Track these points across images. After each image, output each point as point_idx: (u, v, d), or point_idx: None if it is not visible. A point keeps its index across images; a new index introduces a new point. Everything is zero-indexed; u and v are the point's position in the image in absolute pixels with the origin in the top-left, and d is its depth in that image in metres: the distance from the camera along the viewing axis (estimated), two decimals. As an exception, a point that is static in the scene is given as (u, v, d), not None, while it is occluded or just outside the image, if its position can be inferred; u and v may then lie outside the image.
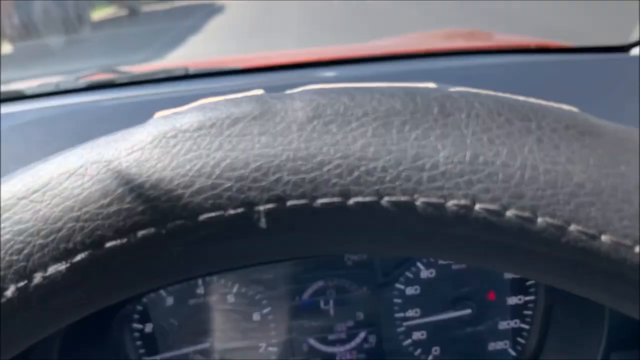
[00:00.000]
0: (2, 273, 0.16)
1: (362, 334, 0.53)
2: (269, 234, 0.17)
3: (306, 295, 0.52)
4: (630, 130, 0.17)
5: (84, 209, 0.17)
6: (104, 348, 0.49)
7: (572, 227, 0.16)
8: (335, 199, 0.17)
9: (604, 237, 0.16)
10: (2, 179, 0.17)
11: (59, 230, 0.17)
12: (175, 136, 0.17)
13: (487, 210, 0.16)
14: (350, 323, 0.53)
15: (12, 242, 0.16)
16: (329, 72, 0.70)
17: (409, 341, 0.53)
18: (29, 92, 0.68)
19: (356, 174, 0.17)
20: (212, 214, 0.17)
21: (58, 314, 0.18)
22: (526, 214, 0.16)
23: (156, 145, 0.17)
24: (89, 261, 0.17)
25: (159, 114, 0.18)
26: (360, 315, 0.53)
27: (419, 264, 0.52)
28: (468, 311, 0.53)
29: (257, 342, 0.52)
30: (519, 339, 0.54)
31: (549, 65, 0.69)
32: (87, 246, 0.17)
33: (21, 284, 0.16)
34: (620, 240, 0.16)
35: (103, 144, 0.18)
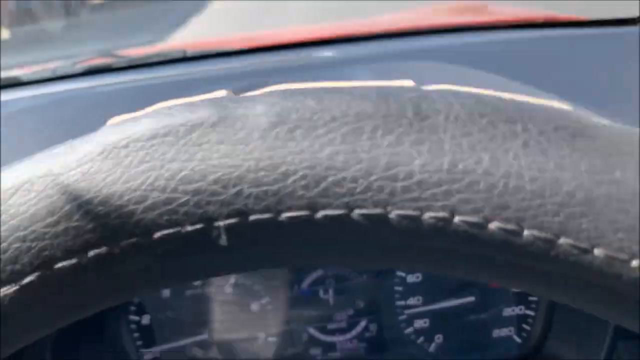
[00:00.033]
0: None
1: (362, 323, 0.52)
2: (231, 250, 0.16)
3: (305, 285, 0.51)
4: (627, 131, 0.16)
5: (31, 228, 0.15)
6: (100, 341, 0.48)
7: (562, 240, 0.15)
8: (302, 213, 0.15)
9: (597, 251, 0.15)
10: None
11: (5, 251, 0.15)
12: (126, 146, 0.16)
13: (468, 223, 0.15)
14: (351, 312, 0.52)
15: None
16: (331, 51, 0.68)
17: (410, 329, 0.52)
18: (25, 79, 0.66)
19: (324, 185, 0.15)
20: (168, 231, 0.15)
21: (12, 336, 0.16)
22: (511, 226, 0.15)
23: (106, 157, 0.16)
24: (38, 283, 0.16)
25: (111, 121, 0.17)
26: (361, 304, 0.52)
27: None
28: (471, 298, 0.51)
29: (256, 333, 0.51)
30: (524, 326, 0.52)
31: (558, 40, 0.66)
32: (36, 267, 0.15)
33: None
34: (614, 254, 0.15)
35: (51, 157, 0.16)
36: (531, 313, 0.52)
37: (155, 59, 0.68)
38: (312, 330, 0.52)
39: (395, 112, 0.15)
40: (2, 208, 0.16)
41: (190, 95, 0.56)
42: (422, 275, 0.51)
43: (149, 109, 0.17)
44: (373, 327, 0.52)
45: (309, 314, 0.52)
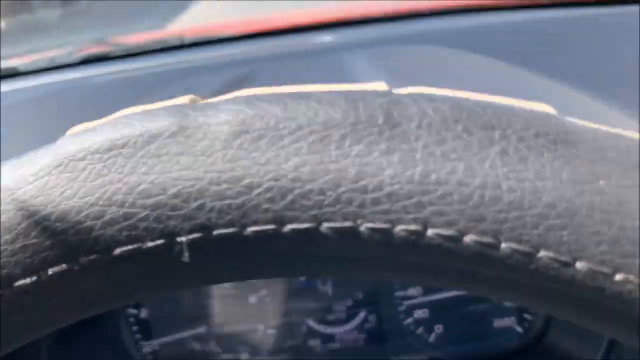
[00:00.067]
0: None
1: (361, 314, 0.52)
2: (194, 265, 0.15)
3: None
4: (613, 135, 0.15)
5: None
6: (98, 334, 0.48)
7: (542, 254, 0.14)
8: (269, 227, 0.15)
9: (578, 265, 0.14)
10: None
11: None
12: (83, 159, 0.15)
13: (442, 236, 0.14)
14: (349, 303, 0.52)
15: None
16: (332, 36, 0.66)
17: (410, 320, 0.52)
18: (23, 69, 0.66)
19: (290, 197, 0.14)
20: (128, 247, 0.15)
21: None
22: (487, 239, 0.14)
23: (63, 170, 0.15)
24: None
25: (71, 131, 0.16)
26: (359, 295, 0.52)
27: None
28: (471, 288, 0.51)
29: (254, 325, 0.51)
30: (526, 315, 0.52)
31: (559, 21, 0.64)
32: None
33: None
34: (597, 268, 0.14)
35: (7, 170, 0.16)
36: None
37: (152, 47, 0.67)
38: (311, 322, 0.52)
39: (364, 120, 0.14)
40: None
41: (188, 83, 0.55)
42: None
43: (109, 117, 0.16)
44: (372, 318, 0.52)
45: (308, 306, 0.51)
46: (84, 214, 0.15)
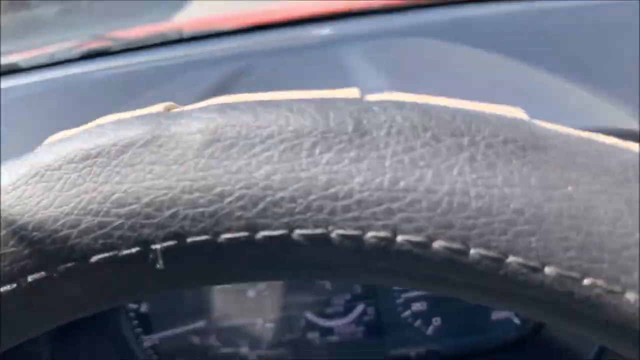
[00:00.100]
0: None
1: (360, 307, 0.52)
2: (170, 272, 0.15)
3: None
4: (584, 140, 0.15)
5: None
6: (99, 329, 0.49)
7: (511, 259, 0.14)
8: (241, 234, 0.15)
9: (547, 270, 0.14)
10: None
11: None
12: (59, 168, 0.15)
13: (411, 242, 0.14)
14: (348, 296, 0.52)
15: None
16: (330, 28, 0.66)
17: (408, 312, 0.52)
18: (23, 65, 0.66)
19: (262, 205, 0.15)
20: (104, 255, 0.15)
21: None
22: (456, 245, 0.14)
23: (39, 180, 0.15)
24: None
25: (49, 139, 0.17)
26: (358, 288, 0.52)
27: None
28: (469, 281, 0.51)
29: (253, 319, 0.51)
30: (523, 308, 0.52)
31: (564, 13, 0.64)
32: None
33: None
34: (565, 273, 0.14)
35: None
36: None
37: (152, 41, 0.67)
38: (309, 316, 0.52)
39: (334, 128, 0.15)
40: None
41: (188, 77, 0.55)
42: None
43: (85, 126, 0.16)
44: (370, 310, 0.52)
45: (306, 299, 0.52)
46: (60, 222, 0.15)
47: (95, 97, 0.62)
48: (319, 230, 0.15)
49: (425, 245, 0.14)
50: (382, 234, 0.14)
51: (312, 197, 0.14)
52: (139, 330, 0.50)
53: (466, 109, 0.15)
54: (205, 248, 0.15)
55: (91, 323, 0.49)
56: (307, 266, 0.16)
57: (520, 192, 0.14)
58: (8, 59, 0.70)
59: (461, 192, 0.14)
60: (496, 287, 0.15)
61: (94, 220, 0.15)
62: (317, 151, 0.15)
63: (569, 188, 0.14)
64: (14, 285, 0.15)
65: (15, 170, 0.15)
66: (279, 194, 0.14)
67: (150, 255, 0.15)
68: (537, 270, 0.14)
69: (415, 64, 0.58)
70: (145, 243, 0.15)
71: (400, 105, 0.15)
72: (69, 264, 0.15)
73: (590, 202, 0.14)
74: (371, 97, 0.16)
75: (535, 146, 0.14)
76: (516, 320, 0.52)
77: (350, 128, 0.15)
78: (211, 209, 0.15)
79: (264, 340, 0.52)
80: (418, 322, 0.52)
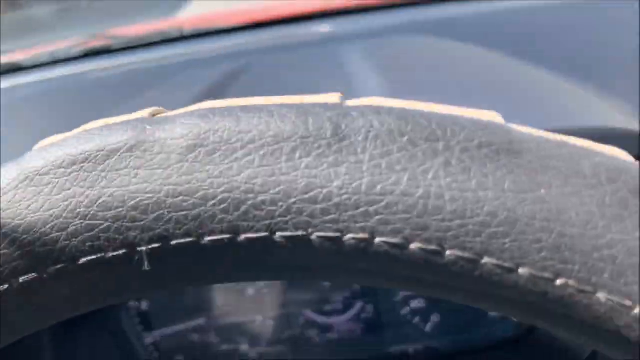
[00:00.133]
0: None
1: (358, 305, 0.53)
2: (155, 273, 0.16)
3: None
4: (557, 144, 0.15)
5: None
6: (101, 326, 0.50)
7: (486, 260, 0.14)
8: (224, 236, 0.15)
9: (521, 271, 0.14)
10: None
11: None
12: (48, 173, 0.16)
13: (389, 244, 0.15)
14: (347, 294, 0.53)
15: None
16: (331, 25, 0.66)
17: (406, 310, 0.53)
18: (24, 64, 0.67)
19: (244, 208, 0.15)
20: (92, 257, 0.15)
21: None
22: (432, 247, 0.15)
23: (29, 184, 0.16)
24: None
25: (39, 144, 0.17)
26: (356, 286, 0.52)
27: None
28: (467, 279, 0.51)
29: (253, 317, 0.52)
30: (521, 305, 0.52)
31: (562, 11, 0.64)
32: None
33: None
34: (539, 274, 0.14)
35: None
36: None
37: (153, 39, 0.67)
38: (309, 313, 0.53)
39: (313, 133, 0.15)
40: None
41: (187, 76, 0.56)
42: None
43: (74, 131, 0.17)
44: (369, 308, 0.53)
45: (305, 297, 0.52)
46: (49, 225, 0.15)
47: (96, 95, 0.62)
48: (299, 233, 0.15)
49: (403, 246, 0.15)
50: (361, 236, 0.15)
51: (292, 200, 0.15)
52: (140, 327, 0.51)
53: (442, 114, 0.15)
54: (189, 250, 0.15)
55: (92, 319, 0.50)
56: (289, 267, 0.16)
57: (493, 196, 0.14)
58: (9, 58, 0.71)
59: (436, 195, 0.14)
60: (473, 288, 0.15)
61: (81, 223, 0.15)
62: (296, 156, 0.15)
63: (542, 191, 0.14)
64: (6, 286, 0.16)
65: (6, 174, 0.16)
66: (260, 197, 0.15)
67: (136, 257, 0.15)
68: (512, 271, 0.14)
69: (414, 62, 0.58)
70: (131, 245, 0.15)
71: (378, 110, 0.15)
72: (59, 266, 0.16)
73: (562, 204, 0.14)
74: (350, 102, 0.16)
75: (509, 150, 0.15)
76: (513, 319, 0.52)
77: (329, 133, 0.15)
78: (195, 212, 0.15)
79: (264, 337, 0.52)
80: (416, 320, 0.53)
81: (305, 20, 0.68)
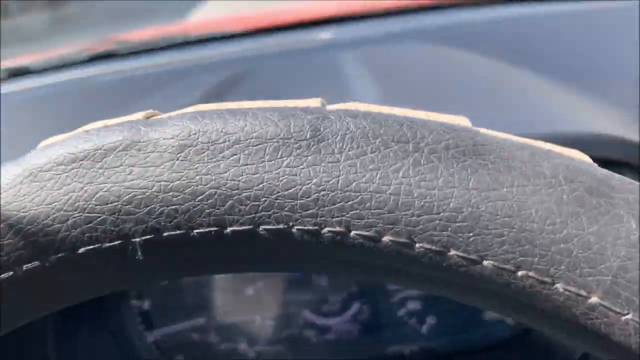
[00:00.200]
0: None
1: (356, 306, 0.54)
2: (148, 263, 0.17)
3: (298, 269, 0.53)
4: (520, 145, 0.16)
5: None
6: (103, 326, 0.51)
7: (452, 252, 0.16)
8: (212, 229, 0.16)
9: (485, 262, 0.16)
10: None
11: None
12: (50, 169, 0.17)
13: (363, 237, 0.16)
14: (344, 295, 0.54)
15: None
16: (333, 31, 0.68)
17: (403, 311, 0.54)
18: (32, 68, 0.68)
19: (230, 203, 0.16)
20: (90, 247, 0.17)
21: None
22: (402, 239, 0.16)
23: (32, 180, 0.17)
24: None
25: (42, 143, 0.18)
26: (353, 287, 0.53)
27: None
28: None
29: (252, 317, 0.53)
30: (516, 308, 0.53)
31: (561, 16, 0.64)
32: None
33: None
34: (501, 265, 0.15)
35: None
36: None
37: (159, 44, 0.69)
38: (307, 314, 0.54)
39: (294, 135, 0.16)
40: None
41: (190, 81, 0.57)
42: None
43: (74, 132, 0.18)
44: (366, 309, 0.54)
45: (304, 297, 0.53)
46: (51, 217, 0.17)
47: (101, 99, 0.63)
48: (281, 226, 0.16)
49: (375, 239, 0.16)
50: (337, 229, 0.16)
51: (274, 196, 0.16)
52: (141, 326, 0.52)
53: (413, 117, 0.17)
54: (179, 242, 0.17)
55: (92, 319, 0.51)
56: (273, 259, 0.17)
57: (459, 193, 0.15)
58: (17, 62, 0.72)
59: (405, 192, 0.16)
60: (442, 278, 0.16)
61: (80, 215, 0.17)
62: (278, 155, 0.16)
63: (504, 189, 0.15)
64: (11, 273, 0.17)
65: (12, 171, 0.17)
66: (245, 193, 0.16)
67: (131, 248, 0.17)
68: (476, 262, 0.16)
69: (412, 68, 0.59)
70: (125, 236, 0.17)
71: (354, 114, 0.16)
72: (59, 255, 0.17)
73: (523, 202, 0.15)
74: (330, 107, 0.17)
75: (475, 152, 0.16)
76: (509, 321, 0.53)
77: (308, 135, 0.16)
78: (184, 206, 0.16)
79: (262, 337, 0.53)
80: (413, 321, 0.54)
81: (306, 27, 0.69)
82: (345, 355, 0.54)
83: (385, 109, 0.17)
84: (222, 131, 0.17)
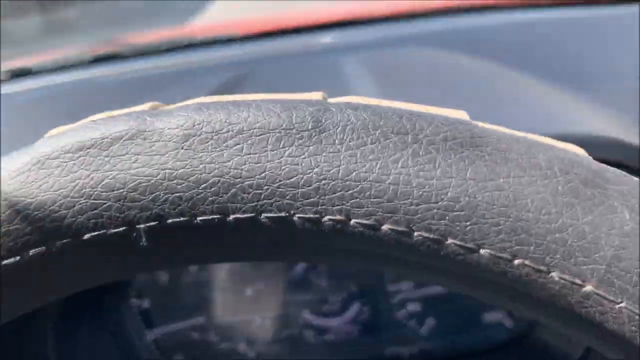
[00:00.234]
0: None
1: (355, 307, 0.54)
2: (152, 250, 0.17)
3: (298, 269, 0.53)
4: (517, 138, 0.17)
5: None
6: (102, 324, 0.51)
7: (450, 241, 0.16)
8: (215, 216, 0.17)
9: (482, 251, 0.16)
10: None
11: None
12: (57, 157, 0.17)
13: (363, 225, 0.16)
14: (344, 296, 0.54)
15: None
16: (334, 35, 0.68)
17: (402, 312, 0.54)
18: (36, 68, 0.69)
19: (232, 191, 0.17)
20: (95, 233, 0.17)
21: None
22: (401, 228, 0.16)
23: (40, 167, 0.17)
24: None
25: (50, 133, 0.19)
26: (353, 288, 0.54)
27: None
28: (461, 283, 0.52)
29: (251, 317, 0.53)
30: (515, 310, 0.53)
31: (561, 22, 0.65)
32: None
33: None
34: (498, 254, 0.16)
35: None
36: None
37: (164, 46, 0.69)
38: (306, 314, 0.54)
39: (296, 125, 0.17)
40: None
41: (193, 83, 0.57)
42: None
43: (81, 122, 0.18)
44: (366, 310, 0.54)
45: (303, 298, 0.54)
46: (57, 204, 0.17)
47: (105, 100, 0.64)
48: (282, 214, 0.17)
49: (375, 227, 0.16)
50: (337, 217, 0.16)
51: (276, 184, 0.16)
52: (141, 325, 0.52)
53: (413, 110, 0.17)
54: (183, 229, 0.17)
55: (92, 319, 0.51)
56: (274, 247, 0.18)
57: (456, 183, 0.16)
58: (20, 63, 0.73)
59: (404, 182, 0.16)
60: (440, 267, 0.17)
61: (86, 202, 0.17)
62: (280, 145, 0.17)
63: (501, 180, 0.16)
64: (18, 258, 0.17)
65: (20, 159, 0.18)
66: (247, 182, 0.17)
67: (135, 234, 0.17)
68: (474, 251, 0.16)
69: (413, 73, 0.60)
70: (130, 223, 0.17)
71: (355, 106, 0.17)
72: (65, 240, 0.17)
73: (519, 192, 0.16)
74: (331, 100, 0.18)
75: (472, 143, 0.16)
76: (507, 324, 0.54)
77: (310, 125, 0.17)
78: (188, 194, 0.17)
79: (262, 337, 0.53)
80: (412, 322, 0.54)
81: (309, 31, 0.69)
82: (345, 355, 0.55)
83: (385, 102, 0.17)
84: (225, 121, 0.17)
